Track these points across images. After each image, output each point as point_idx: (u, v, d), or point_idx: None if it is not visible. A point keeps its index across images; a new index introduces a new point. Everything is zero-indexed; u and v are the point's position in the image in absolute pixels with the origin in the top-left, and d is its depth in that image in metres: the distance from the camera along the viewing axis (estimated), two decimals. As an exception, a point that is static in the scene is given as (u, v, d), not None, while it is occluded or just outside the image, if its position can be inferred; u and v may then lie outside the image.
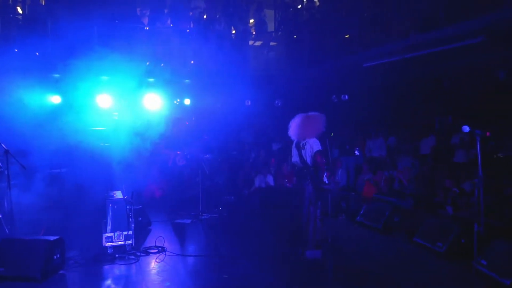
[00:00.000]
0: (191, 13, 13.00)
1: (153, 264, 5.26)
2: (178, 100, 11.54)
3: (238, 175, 10.97)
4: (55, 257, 4.83)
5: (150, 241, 6.12)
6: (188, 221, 7.43)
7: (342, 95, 11.05)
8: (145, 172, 8.85)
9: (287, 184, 10.39)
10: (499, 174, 7.21)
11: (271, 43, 13.03)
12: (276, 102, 12.44)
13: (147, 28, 11.73)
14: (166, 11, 12.51)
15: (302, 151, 5.61)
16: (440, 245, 5.45)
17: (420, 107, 10.18)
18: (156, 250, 5.73)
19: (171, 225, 7.21)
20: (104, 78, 9.96)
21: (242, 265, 5.24)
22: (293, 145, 5.79)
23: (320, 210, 5.53)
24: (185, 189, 8.07)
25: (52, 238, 4.86)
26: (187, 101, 11.57)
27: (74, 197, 7.18)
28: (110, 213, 5.57)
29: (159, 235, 6.09)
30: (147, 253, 5.63)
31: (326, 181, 5.58)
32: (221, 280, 4.75)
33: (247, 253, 5.74)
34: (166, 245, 5.87)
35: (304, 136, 5.62)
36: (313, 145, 5.57)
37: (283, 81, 11.85)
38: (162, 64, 10.46)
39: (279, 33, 13.11)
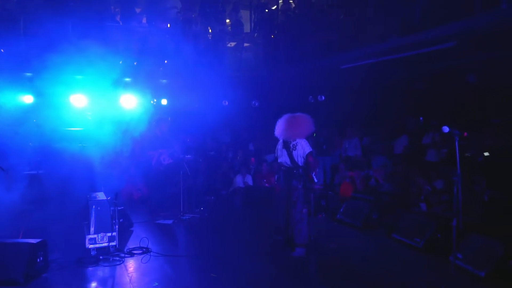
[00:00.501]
0: (166, 13, 12.95)
1: (139, 265, 5.24)
2: (155, 100, 11.46)
3: (216, 175, 11.01)
4: (38, 260, 4.75)
5: (133, 242, 6.08)
6: (170, 221, 7.41)
7: (319, 96, 11.28)
8: (124, 173, 8.76)
9: (266, 184, 10.52)
10: (468, 172, 7.56)
11: (245, 44, 13.11)
12: (253, 102, 12.55)
13: (121, 24, 11.59)
14: (138, 10, 12.43)
15: (294, 152, 5.71)
16: (417, 240, 5.69)
17: (394, 108, 10.52)
18: (141, 251, 5.70)
19: (153, 226, 7.17)
20: (79, 77, 9.83)
21: (229, 264, 5.30)
22: (280, 146, 5.88)
23: (308, 209, 5.68)
24: (166, 189, 8.02)
25: (35, 240, 4.77)
26: (164, 101, 11.52)
27: (54, 199, 7.02)
28: (93, 215, 5.51)
29: (142, 236, 6.06)
30: (131, 254, 5.60)
31: (316, 180, 5.73)
32: (210, 279, 4.79)
33: (232, 252, 5.80)
34: (150, 246, 5.85)
35: (293, 136, 5.73)
36: (304, 147, 5.70)
37: (260, 82, 11.96)
38: (135, 63, 10.34)
39: (255, 34, 13.21)
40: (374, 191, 8.88)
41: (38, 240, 4.80)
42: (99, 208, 5.55)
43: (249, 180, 10.54)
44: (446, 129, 4.14)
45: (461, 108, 8.33)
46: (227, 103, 12.34)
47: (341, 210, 7.34)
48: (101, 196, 5.87)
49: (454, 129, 4.10)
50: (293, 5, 13.42)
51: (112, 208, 5.59)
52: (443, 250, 5.37)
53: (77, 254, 5.41)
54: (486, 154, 8.45)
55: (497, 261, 4.56)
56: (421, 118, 10.59)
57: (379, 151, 10.54)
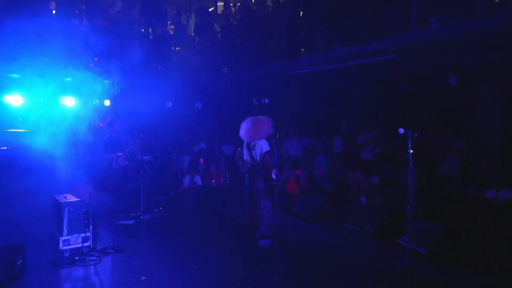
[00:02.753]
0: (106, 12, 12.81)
1: (117, 264, 5.37)
2: (98, 100, 11.24)
3: (164, 176, 11.10)
4: (18, 262, 4.70)
5: (102, 242, 6.10)
6: (131, 222, 7.47)
7: (263, 99, 11.90)
8: (75, 174, 8.58)
9: (214, 184, 10.88)
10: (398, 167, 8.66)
11: (177, 48, 13.30)
12: (196, 104, 12.83)
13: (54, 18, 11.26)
14: (76, 9, 12.14)
15: (253, 151, 6.22)
16: (368, 228, 6.50)
17: (331, 110, 11.50)
18: (114, 250, 5.78)
19: (116, 226, 7.18)
20: (15, 75, 9.47)
21: (200, 259, 5.55)
22: (244, 145, 6.37)
23: (271, 203, 6.20)
24: (124, 190, 8.03)
25: (14, 243, 4.72)
26: (107, 102, 11.33)
27: (9, 204, 6.75)
28: (66, 216, 5.50)
29: (108, 237, 6.13)
30: (106, 253, 5.67)
31: (274, 178, 6.27)
32: (192, 271, 5.10)
33: (200, 248, 6.10)
34: (122, 245, 5.96)
35: (254, 138, 6.22)
36: (262, 146, 6.20)
37: (204, 85, 12.26)
38: (46, 59, 9.97)
39: (197, 38, 13.42)
40: (320, 187, 9.67)
41: (17, 242, 4.74)
42: (72, 209, 5.56)
43: (198, 180, 10.81)
44: (401, 130, 4.92)
45: (393, 110, 9.45)
46: (171, 104, 12.50)
47: (296, 204, 7.98)
48: (70, 197, 5.85)
49: (407, 130, 4.89)
50: (234, 10, 13.92)
51: (84, 209, 5.63)
52: (390, 235, 6.22)
53: (49, 256, 5.38)
54: (411, 151, 9.66)
55: (436, 240, 5.47)
56: (354, 120, 11.71)
57: (318, 151, 11.42)
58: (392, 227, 6.30)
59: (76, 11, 12.31)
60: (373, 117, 10.27)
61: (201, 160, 11.40)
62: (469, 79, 7.84)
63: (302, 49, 9.98)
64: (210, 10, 14.39)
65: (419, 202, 7.56)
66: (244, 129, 6.29)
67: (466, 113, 8.45)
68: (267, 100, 11.92)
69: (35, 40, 8.89)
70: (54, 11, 11.71)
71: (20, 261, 4.75)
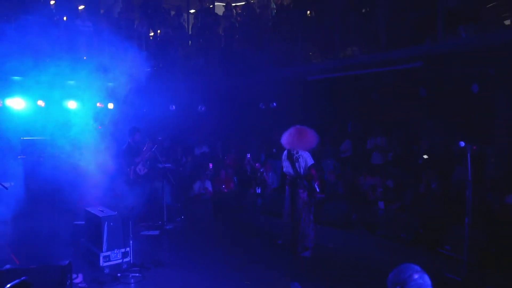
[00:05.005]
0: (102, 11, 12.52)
1: (164, 279, 5.16)
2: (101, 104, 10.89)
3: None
4: (67, 283, 4.45)
5: (136, 256, 5.85)
6: (156, 232, 7.23)
7: (271, 103, 11.79)
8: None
9: (225, 190, 10.69)
10: (420, 174, 8.72)
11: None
12: (199, 107, 12.62)
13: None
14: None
15: (296, 163, 6.13)
16: (403, 235, 6.51)
17: (336, 113, 11.51)
18: (153, 265, 5.56)
19: (142, 237, 6.90)
20: (16, 78, 9.09)
21: (251, 270, 5.46)
22: (284, 156, 6.27)
23: (313, 216, 6.13)
24: (146, 199, 7.75)
25: (63, 263, 4.46)
26: (110, 105, 10.98)
27: (32, 215, 6.40)
28: (106, 231, 5.26)
29: (138, 249, 5.90)
30: (147, 268, 5.44)
31: (318, 190, 6.19)
32: (244, 286, 4.96)
33: (240, 258, 5.94)
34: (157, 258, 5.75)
35: (296, 146, 6.13)
36: (307, 159, 6.15)
37: (208, 89, 12.05)
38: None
39: (200, 40, 13.20)
40: (333, 192, 9.63)
41: (66, 262, 4.49)
42: (111, 223, 5.31)
43: (208, 185, 10.59)
44: (462, 143, 4.93)
45: (407, 114, 9.52)
46: (174, 107, 12.25)
47: (322, 211, 7.90)
48: (105, 210, 5.60)
49: (467, 144, 4.92)
50: (235, 12, 13.73)
51: (126, 223, 5.40)
52: (427, 243, 6.23)
53: (88, 273, 5.13)
54: (425, 156, 9.78)
55: (482, 249, 5.51)
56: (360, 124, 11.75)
57: (325, 155, 11.41)
58: (428, 235, 6.31)
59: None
60: (384, 121, 10.32)
61: (210, 165, 11.17)
62: (488, 85, 7.97)
63: (310, 53, 9.94)
64: (209, 6, 14.14)
65: (443, 207, 7.68)
66: (287, 137, 6.21)
67: (482, 118, 8.58)
68: (275, 104, 11.83)
69: (38, 42, 8.53)
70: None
71: (69, 281, 4.50)
